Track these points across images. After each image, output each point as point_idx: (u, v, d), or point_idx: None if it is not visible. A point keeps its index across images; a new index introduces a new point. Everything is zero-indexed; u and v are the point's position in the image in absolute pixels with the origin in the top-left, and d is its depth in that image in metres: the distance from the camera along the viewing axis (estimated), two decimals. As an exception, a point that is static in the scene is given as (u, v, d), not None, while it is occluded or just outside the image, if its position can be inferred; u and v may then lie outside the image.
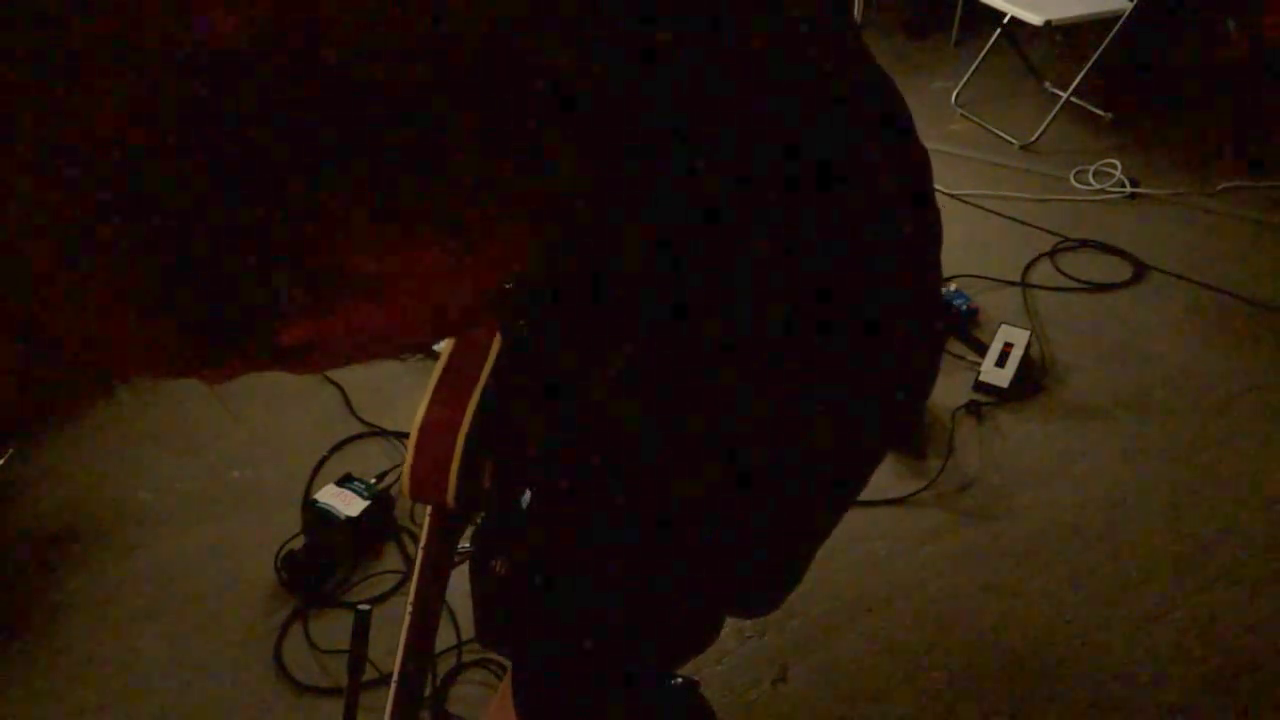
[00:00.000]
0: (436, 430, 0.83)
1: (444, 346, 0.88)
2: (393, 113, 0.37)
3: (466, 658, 1.68)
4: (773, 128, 0.56)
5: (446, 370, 0.85)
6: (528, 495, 0.86)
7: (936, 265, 0.72)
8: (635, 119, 0.51)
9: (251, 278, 0.39)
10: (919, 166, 0.69)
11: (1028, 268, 2.74)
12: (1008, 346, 2.34)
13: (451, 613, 1.69)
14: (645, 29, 0.51)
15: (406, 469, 0.84)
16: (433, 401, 0.84)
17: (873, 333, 0.65)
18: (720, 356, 0.61)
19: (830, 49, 0.62)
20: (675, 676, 1.00)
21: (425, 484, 0.84)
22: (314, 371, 0.50)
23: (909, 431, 2.10)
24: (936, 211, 0.70)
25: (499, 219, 0.44)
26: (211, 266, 0.38)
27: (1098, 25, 3.23)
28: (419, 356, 2.28)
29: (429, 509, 0.99)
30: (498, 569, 0.85)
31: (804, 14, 0.60)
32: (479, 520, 0.95)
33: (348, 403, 2.20)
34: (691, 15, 0.53)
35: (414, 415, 0.84)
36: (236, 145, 0.35)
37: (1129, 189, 3.10)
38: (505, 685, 0.96)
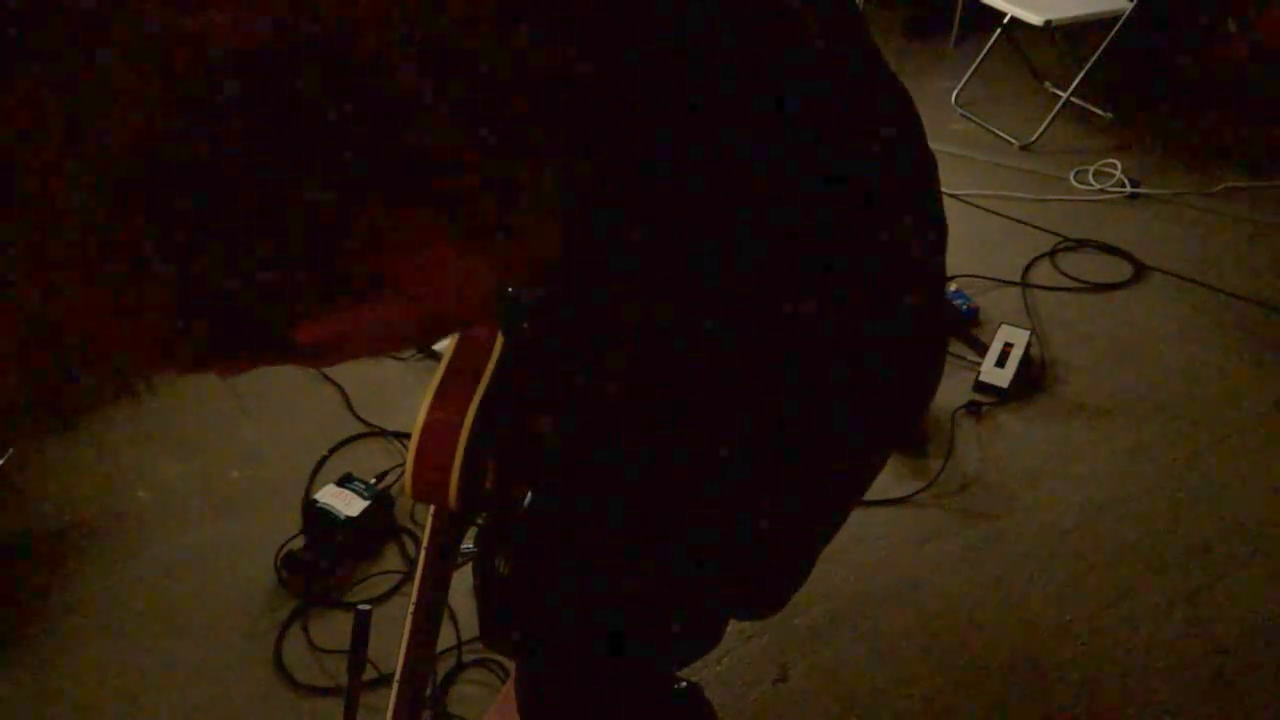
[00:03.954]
0: (439, 431, 0.82)
1: (446, 347, 0.88)
2: (409, 114, 0.37)
3: (466, 658, 1.67)
4: (779, 128, 0.56)
5: (449, 371, 0.85)
6: (530, 495, 0.86)
7: (941, 267, 0.72)
8: (643, 119, 0.51)
9: (273, 280, 0.39)
10: (926, 170, 0.69)
11: (1028, 268, 2.74)
12: (1008, 346, 2.34)
13: (451, 613, 1.69)
14: (651, 33, 0.51)
15: (409, 470, 0.84)
16: (435, 402, 0.83)
17: (878, 332, 0.64)
18: (724, 357, 0.60)
19: (840, 46, 0.62)
20: (679, 680, 1.00)
21: (428, 484, 0.83)
22: (329, 365, 0.51)
23: (915, 433, 2.10)
24: (942, 214, 0.70)
25: (510, 217, 0.44)
26: (234, 268, 0.38)
27: (1098, 25, 3.23)
28: (419, 356, 2.28)
29: (431, 509, 0.99)
30: (500, 569, 0.85)
31: (814, 14, 0.59)
32: (481, 520, 0.95)
33: (348, 403, 2.20)
34: (697, 17, 0.53)
35: (416, 415, 0.84)
36: (259, 146, 0.35)
37: (1129, 189, 3.10)
38: (509, 686, 0.96)
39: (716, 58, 0.54)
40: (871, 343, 0.64)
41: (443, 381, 0.84)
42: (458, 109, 0.39)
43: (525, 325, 0.73)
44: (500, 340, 0.85)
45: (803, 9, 0.59)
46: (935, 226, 0.69)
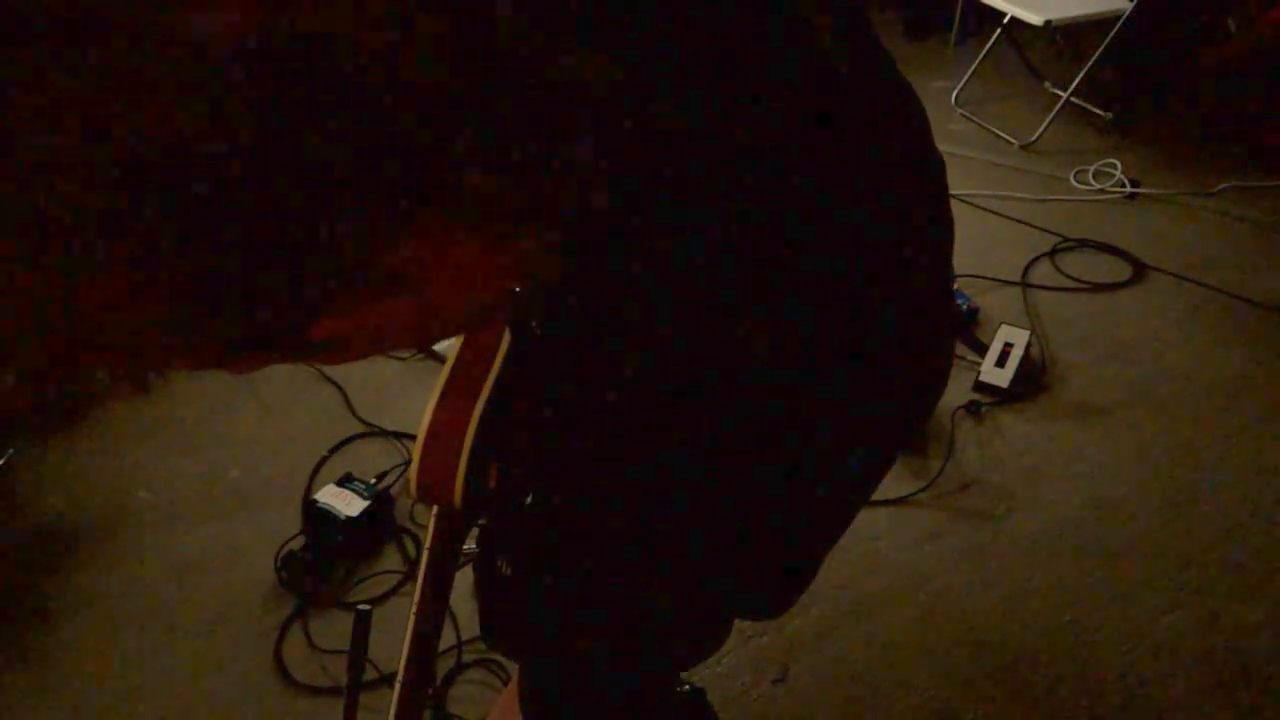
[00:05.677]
0: (444, 431, 0.82)
1: (450, 348, 0.88)
2: (422, 113, 0.37)
3: (466, 658, 1.67)
4: (790, 133, 0.56)
5: (454, 372, 0.85)
6: (532, 496, 0.86)
7: (949, 269, 0.72)
8: (655, 125, 0.51)
9: (288, 278, 0.39)
10: (935, 172, 0.69)
11: (1028, 268, 2.74)
12: (1008, 346, 2.34)
13: (452, 613, 1.69)
14: (666, 40, 0.51)
15: (414, 470, 0.84)
16: (440, 403, 0.83)
17: (884, 335, 0.64)
18: (730, 362, 0.60)
19: (849, 52, 0.62)
20: (682, 683, 1.00)
21: (433, 485, 0.83)
22: (338, 362, 0.51)
23: (920, 436, 2.10)
24: (950, 215, 0.70)
25: (525, 217, 0.44)
26: (249, 267, 0.38)
27: (1098, 25, 3.23)
28: (419, 356, 2.28)
29: (434, 510, 0.99)
30: (502, 569, 0.85)
31: (824, 21, 0.59)
32: (483, 521, 0.95)
33: (348, 403, 2.20)
34: (709, 28, 0.53)
35: (421, 416, 0.83)
36: (274, 140, 0.35)
37: (1129, 189, 3.10)
38: (510, 688, 0.96)
39: (729, 62, 0.54)
40: (877, 345, 0.64)
41: (448, 381, 0.84)
42: (476, 104, 0.39)
43: (533, 325, 0.73)
44: (507, 340, 0.85)
45: (808, 12, 0.59)
46: (943, 227, 0.69)
